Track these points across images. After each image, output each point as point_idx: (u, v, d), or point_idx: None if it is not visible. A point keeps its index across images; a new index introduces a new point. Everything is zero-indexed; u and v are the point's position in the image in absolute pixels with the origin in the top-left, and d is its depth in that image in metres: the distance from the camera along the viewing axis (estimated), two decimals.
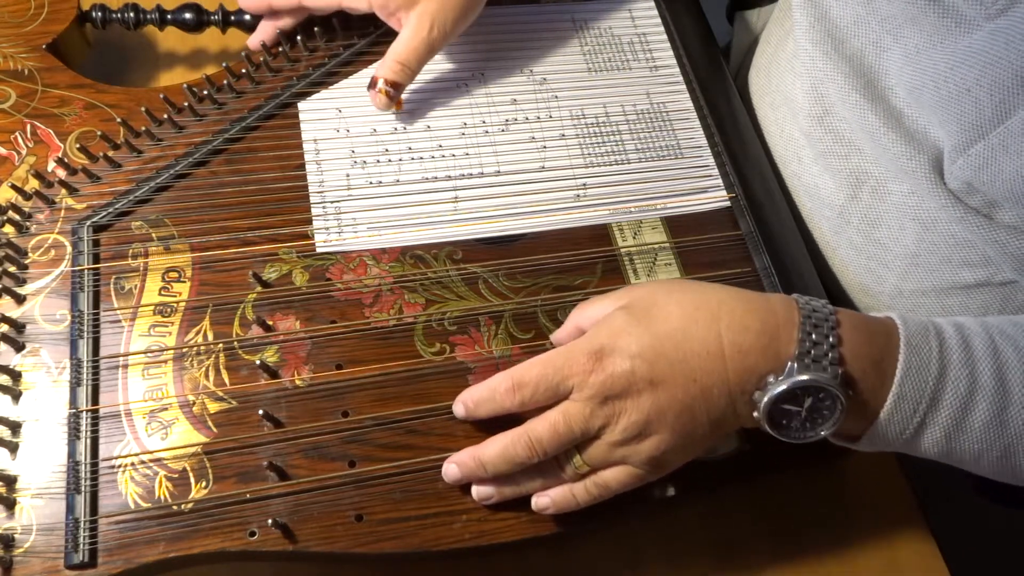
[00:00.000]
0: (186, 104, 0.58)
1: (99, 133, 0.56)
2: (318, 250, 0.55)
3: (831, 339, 0.43)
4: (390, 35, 0.60)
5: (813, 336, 0.44)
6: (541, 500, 0.48)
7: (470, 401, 0.48)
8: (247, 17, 0.64)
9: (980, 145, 0.45)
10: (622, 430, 0.44)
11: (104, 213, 0.54)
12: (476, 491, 0.48)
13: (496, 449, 0.46)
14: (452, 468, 0.48)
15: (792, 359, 0.43)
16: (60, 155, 0.56)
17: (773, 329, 0.44)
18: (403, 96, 0.61)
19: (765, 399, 0.43)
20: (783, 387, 0.43)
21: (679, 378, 0.44)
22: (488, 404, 0.47)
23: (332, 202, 0.57)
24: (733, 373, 0.44)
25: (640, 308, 0.46)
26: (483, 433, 0.49)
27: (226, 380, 0.50)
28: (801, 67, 0.58)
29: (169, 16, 0.64)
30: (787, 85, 0.61)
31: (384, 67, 0.59)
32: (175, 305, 0.52)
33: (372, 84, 0.59)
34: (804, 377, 0.43)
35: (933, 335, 0.44)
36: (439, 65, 0.63)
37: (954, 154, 0.47)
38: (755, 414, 0.45)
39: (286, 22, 0.62)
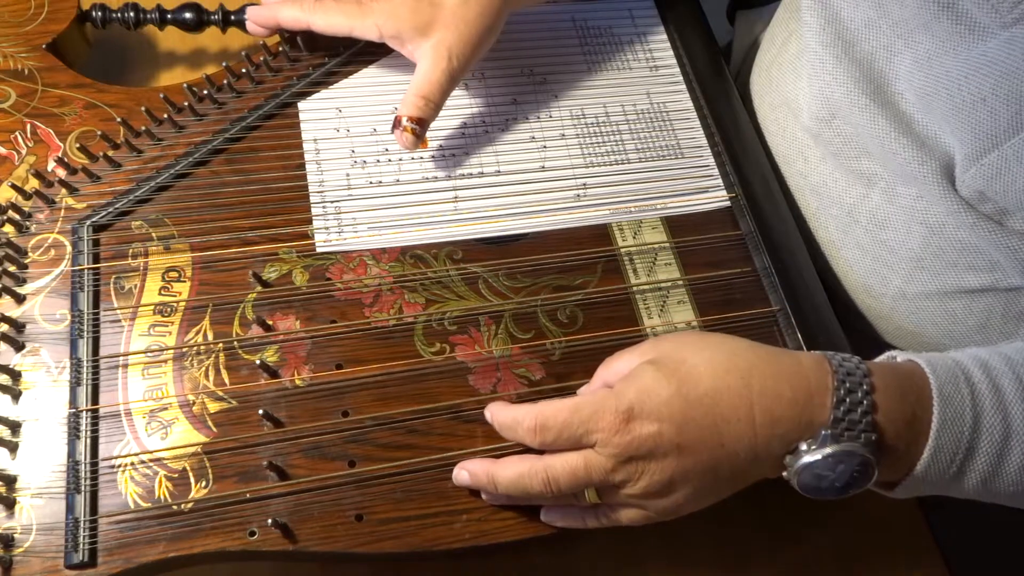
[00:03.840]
0: (186, 104, 0.58)
1: (99, 133, 0.56)
2: (318, 250, 0.55)
3: (865, 404, 0.43)
4: None
5: (847, 402, 0.43)
6: (550, 515, 0.48)
7: (496, 421, 0.48)
8: (247, 17, 0.64)
9: (994, 155, 0.44)
10: (643, 487, 0.44)
11: (104, 213, 0.54)
12: (486, 495, 0.48)
13: (511, 475, 0.46)
14: (464, 475, 0.48)
15: (826, 427, 0.43)
16: (60, 155, 0.56)
17: (805, 397, 0.43)
18: None
19: (797, 465, 0.43)
20: (816, 457, 0.42)
21: (706, 443, 0.43)
22: (509, 433, 0.47)
23: (332, 202, 0.57)
24: (763, 439, 0.43)
25: (669, 366, 0.45)
26: (484, 433, 0.50)
27: (226, 380, 0.50)
28: (808, 68, 0.57)
29: (169, 16, 0.64)
30: (789, 85, 0.61)
31: (407, 104, 0.56)
32: (175, 305, 0.52)
33: (396, 124, 0.56)
34: (838, 448, 0.42)
35: (963, 382, 0.44)
36: None
37: (967, 163, 0.46)
38: (784, 474, 0.44)
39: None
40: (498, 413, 0.48)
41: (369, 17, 0.57)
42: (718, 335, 0.48)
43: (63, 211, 0.54)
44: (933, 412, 0.43)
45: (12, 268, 0.52)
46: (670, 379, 0.44)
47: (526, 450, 0.47)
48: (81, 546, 0.45)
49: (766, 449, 0.44)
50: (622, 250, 0.58)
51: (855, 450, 0.42)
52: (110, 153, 0.56)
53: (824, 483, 0.44)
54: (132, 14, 0.63)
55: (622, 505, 0.46)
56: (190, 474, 0.47)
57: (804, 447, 0.43)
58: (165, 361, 0.50)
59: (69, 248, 0.53)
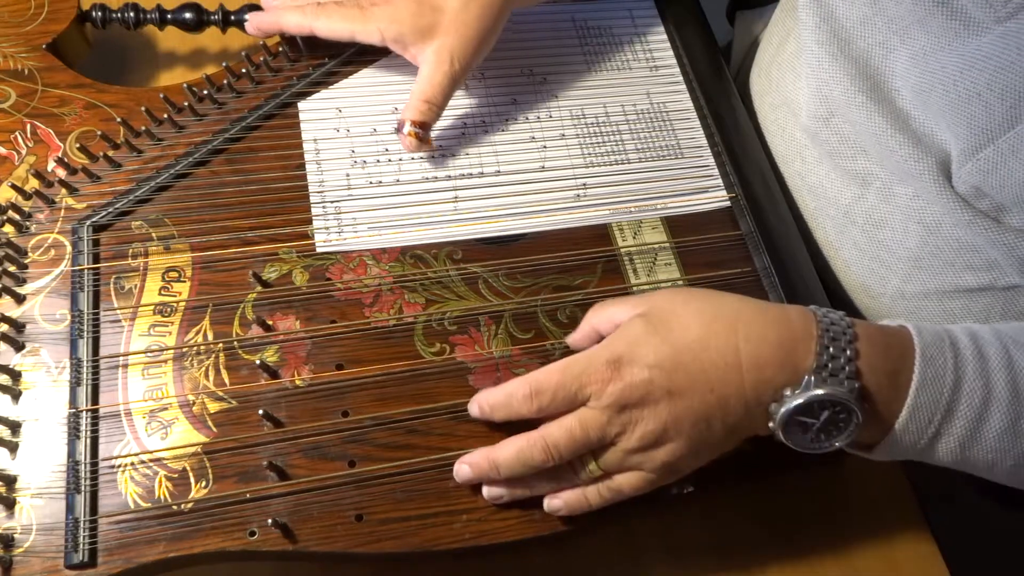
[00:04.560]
0: (186, 104, 0.58)
1: (99, 133, 0.56)
2: (318, 250, 0.55)
3: (848, 352, 0.44)
4: None
5: (831, 350, 0.44)
6: (553, 502, 0.48)
7: (486, 404, 0.48)
8: (247, 17, 0.64)
9: (990, 149, 0.45)
10: (639, 438, 0.45)
11: (104, 213, 0.54)
12: (487, 491, 0.48)
13: (511, 451, 0.46)
14: (464, 468, 0.48)
15: (809, 372, 0.44)
16: (60, 155, 0.56)
17: (790, 342, 0.44)
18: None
19: (781, 411, 0.44)
20: (800, 400, 0.43)
21: (697, 388, 0.44)
22: (504, 409, 0.48)
23: (332, 202, 0.57)
24: (749, 384, 0.44)
25: (658, 317, 0.46)
26: (485, 433, 0.50)
27: (226, 380, 0.50)
28: (805, 67, 0.58)
29: (169, 16, 0.64)
30: (789, 85, 0.61)
31: (410, 109, 0.57)
32: (175, 305, 0.52)
33: (399, 127, 0.58)
34: (821, 391, 0.43)
35: (948, 345, 0.45)
36: None
37: (963, 158, 0.47)
38: (770, 424, 0.45)
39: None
40: (488, 396, 0.48)
41: (371, 22, 0.58)
42: (705, 289, 0.49)
43: (63, 211, 0.54)
44: (914, 370, 0.44)
45: (12, 268, 0.52)
46: (659, 328, 0.45)
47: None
48: (81, 546, 0.45)
49: (754, 394, 0.44)
50: (622, 250, 0.58)
51: (838, 395, 0.43)
52: (110, 153, 0.56)
53: (808, 432, 0.44)
54: (132, 14, 0.63)
55: (622, 469, 0.46)
56: (190, 474, 0.47)
57: (788, 392, 0.44)
58: (165, 361, 0.50)
59: (69, 248, 0.53)
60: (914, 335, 0.45)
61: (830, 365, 0.43)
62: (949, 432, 0.44)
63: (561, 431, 0.45)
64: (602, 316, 0.50)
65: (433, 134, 0.60)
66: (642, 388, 0.44)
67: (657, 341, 0.45)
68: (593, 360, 0.45)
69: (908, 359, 0.44)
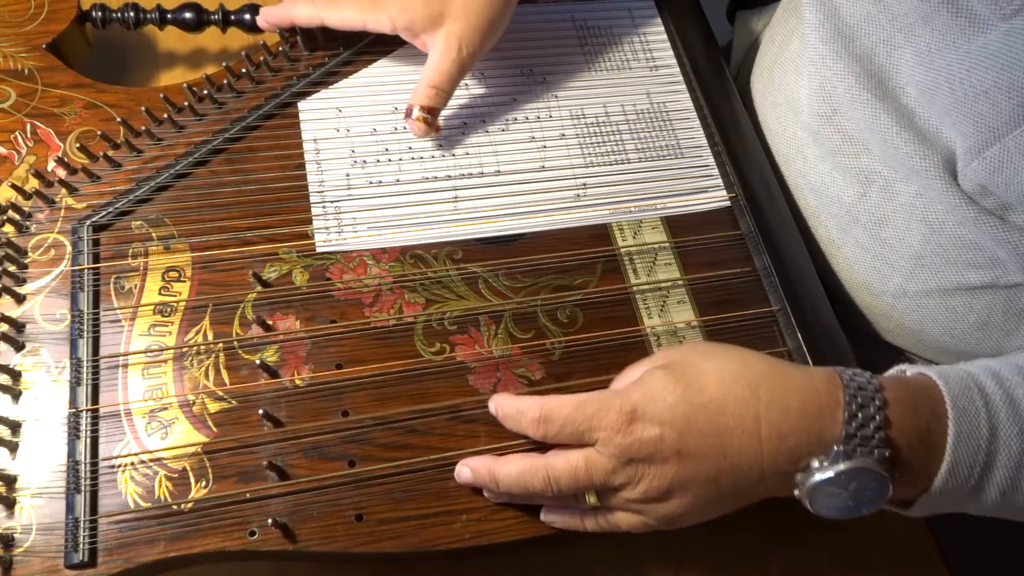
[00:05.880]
0: (186, 104, 0.58)
1: (99, 133, 0.56)
2: (318, 250, 0.55)
3: (878, 419, 0.42)
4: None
5: (859, 417, 0.42)
6: (550, 515, 0.48)
7: (499, 411, 0.48)
8: (247, 16, 0.64)
9: (996, 148, 0.44)
10: (642, 492, 0.44)
11: (104, 212, 0.54)
12: (488, 492, 0.48)
13: (512, 472, 0.46)
14: (466, 472, 0.48)
15: (838, 442, 0.42)
16: (60, 155, 0.56)
17: (815, 411, 0.43)
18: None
19: (808, 483, 0.42)
20: (829, 474, 0.42)
21: (709, 452, 0.43)
22: (512, 423, 0.48)
23: (332, 202, 0.57)
24: (768, 454, 0.43)
25: (678, 369, 0.45)
26: (485, 434, 0.50)
27: (226, 380, 0.50)
28: (809, 66, 0.57)
29: (169, 16, 0.64)
30: (791, 84, 0.61)
31: (418, 94, 0.58)
32: (175, 305, 0.52)
33: (408, 113, 0.58)
34: (850, 464, 0.41)
35: (977, 394, 0.43)
36: None
37: (968, 156, 0.46)
38: (796, 493, 0.44)
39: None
40: (503, 403, 0.48)
41: (382, 10, 0.58)
42: (730, 346, 0.48)
43: (63, 211, 0.54)
44: (948, 425, 0.42)
45: (12, 268, 0.52)
46: (677, 384, 0.44)
47: (528, 450, 0.47)
48: (81, 546, 0.45)
49: (772, 464, 0.43)
50: (622, 250, 0.58)
51: (868, 466, 0.41)
52: (110, 153, 0.56)
53: (838, 501, 0.43)
54: (132, 14, 0.63)
55: (622, 509, 0.46)
56: (190, 474, 0.47)
57: (816, 464, 0.42)
58: (165, 361, 0.50)
59: (69, 248, 0.53)
60: (942, 388, 0.43)
61: (859, 435, 0.42)
62: (990, 483, 0.43)
63: (565, 468, 0.45)
64: (623, 380, 0.48)
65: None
66: (651, 445, 0.43)
67: (673, 398, 0.44)
68: (607, 405, 0.44)
69: (939, 415, 0.43)
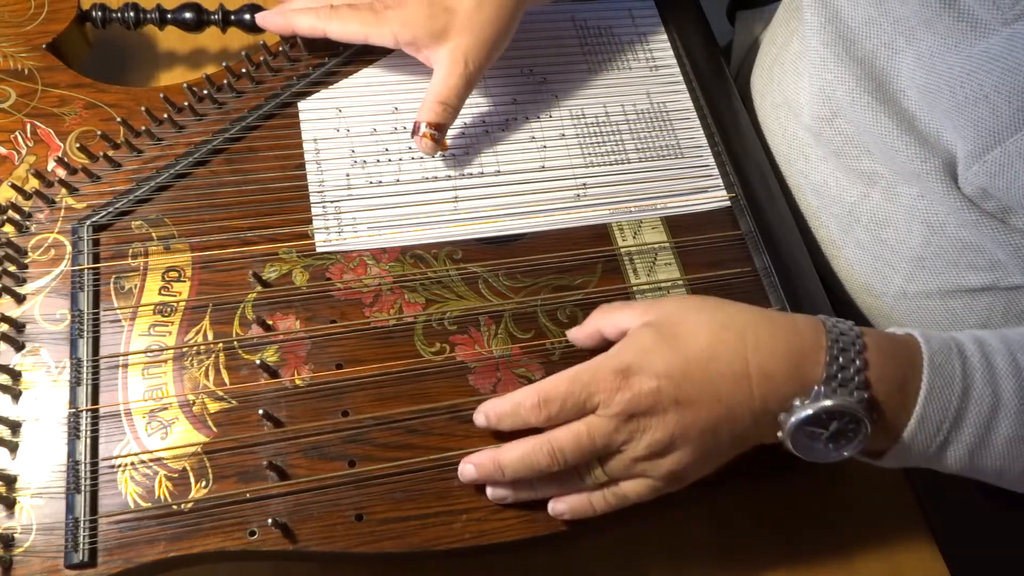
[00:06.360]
0: (186, 104, 0.58)
1: (99, 133, 0.56)
2: (318, 250, 0.55)
3: (858, 363, 0.44)
4: None
5: (840, 360, 0.44)
6: (558, 506, 0.48)
7: (492, 414, 0.48)
8: (247, 16, 0.64)
9: (997, 151, 0.45)
10: (645, 446, 0.45)
11: (104, 212, 0.54)
12: (491, 492, 0.48)
13: (516, 454, 0.46)
14: (469, 468, 0.48)
15: (819, 383, 0.44)
16: (60, 154, 0.56)
17: (799, 352, 0.44)
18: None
19: (791, 422, 0.44)
20: (809, 411, 0.43)
21: (704, 398, 0.44)
22: (511, 419, 0.47)
23: (332, 202, 0.57)
24: (758, 395, 0.44)
25: (667, 326, 0.46)
26: (485, 434, 0.50)
27: (226, 380, 0.50)
28: (810, 67, 0.57)
29: (169, 16, 0.64)
30: (791, 85, 0.61)
31: (425, 110, 0.57)
32: (175, 305, 0.52)
33: (415, 130, 0.57)
34: (830, 402, 0.43)
35: (955, 353, 0.44)
36: None
37: (969, 160, 0.47)
38: (779, 434, 0.45)
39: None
40: (494, 405, 0.48)
41: (385, 26, 0.58)
42: (713, 298, 0.49)
43: (63, 211, 0.54)
44: (923, 379, 0.44)
45: (12, 268, 0.52)
46: (667, 337, 0.45)
47: None
48: (81, 546, 0.45)
49: (762, 405, 0.44)
50: (622, 250, 0.58)
51: (847, 405, 0.43)
52: (110, 153, 0.56)
53: (818, 444, 0.44)
54: (132, 14, 0.63)
55: (627, 477, 0.47)
56: (190, 474, 0.47)
57: (798, 403, 0.44)
58: (165, 361, 0.50)
59: (69, 248, 0.53)
60: (922, 343, 0.45)
61: (839, 376, 0.43)
62: (958, 440, 0.44)
63: (568, 436, 0.45)
64: (608, 320, 0.50)
65: None
66: (650, 397, 0.44)
67: (666, 350, 0.45)
68: (601, 369, 0.45)
69: (916, 368, 0.44)
